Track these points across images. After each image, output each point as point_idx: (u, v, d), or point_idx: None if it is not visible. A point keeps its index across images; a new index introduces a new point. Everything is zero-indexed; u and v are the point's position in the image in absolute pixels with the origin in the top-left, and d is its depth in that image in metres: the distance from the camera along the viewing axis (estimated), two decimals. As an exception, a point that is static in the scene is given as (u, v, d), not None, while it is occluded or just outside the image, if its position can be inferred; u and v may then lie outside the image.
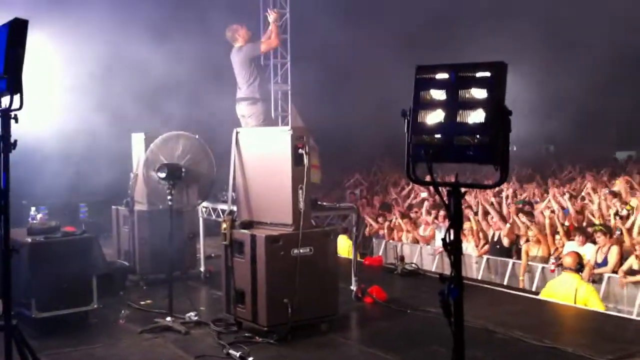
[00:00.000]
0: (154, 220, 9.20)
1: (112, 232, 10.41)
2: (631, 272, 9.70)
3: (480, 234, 12.31)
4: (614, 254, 10.05)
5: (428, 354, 6.46)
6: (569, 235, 11.04)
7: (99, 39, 11.49)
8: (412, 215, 14.35)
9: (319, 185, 12.92)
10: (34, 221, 8.01)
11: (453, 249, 3.70)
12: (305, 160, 6.84)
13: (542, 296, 8.75)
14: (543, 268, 10.77)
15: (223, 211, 8.77)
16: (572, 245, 10.50)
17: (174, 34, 12.44)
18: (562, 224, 11.41)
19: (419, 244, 13.35)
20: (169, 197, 7.40)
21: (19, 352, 4.85)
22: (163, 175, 7.38)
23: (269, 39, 9.62)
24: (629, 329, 7.35)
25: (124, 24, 11.13)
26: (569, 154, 23.17)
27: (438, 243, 12.54)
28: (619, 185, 13.73)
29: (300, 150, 6.84)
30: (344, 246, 11.60)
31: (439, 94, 3.71)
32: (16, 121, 4.58)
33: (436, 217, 13.33)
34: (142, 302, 8.43)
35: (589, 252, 10.30)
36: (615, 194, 12.73)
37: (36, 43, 9.17)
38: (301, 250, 6.84)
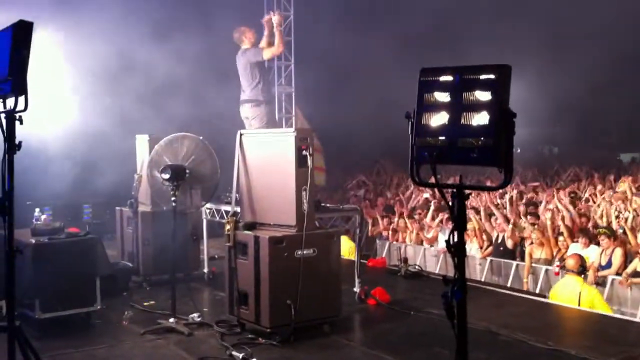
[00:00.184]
0: (158, 222, 9.23)
1: (115, 233, 10.44)
2: (636, 274, 9.68)
3: (484, 236, 12.29)
4: (618, 256, 10.04)
5: (431, 356, 6.45)
6: (572, 237, 11.02)
7: (103, 39, 11.51)
8: (416, 216, 14.32)
9: (323, 186, 12.95)
10: (38, 222, 8.03)
11: (457, 251, 3.70)
12: (309, 162, 6.84)
13: (550, 299, 8.74)
14: (547, 270, 10.76)
15: (227, 212, 8.77)
16: (576, 248, 10.49)
17: (178, 35, 12.46)
18: (566, 226, 11.39)
19: (423, 246, 13.33)
20: (172, 199, 7.40)
21: (22, 353, 4.85)
22: (167, 176, 7.38)
23: (272, 46, 9.57)
24: (633, 331, 7.34)
25: (128, 25, 11.15)
26: (572, 156, 23.14)
27: (442, 244, 12.53)
28: (624, 186, 13.70)
29: (304, 152, 6.84)
30: (346, 247, 11.60)
31: (443, 96, 3.71)
32: (21, 123, 4.59)
33: (441, 221, 13.30)
34: (145, 303, 8.44)
35: (592, 254, 10.28)
36: (621, 195, 12.71)
37: (41, 44, 9.23)
38: (305, 252, 6.84)
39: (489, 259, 11.91)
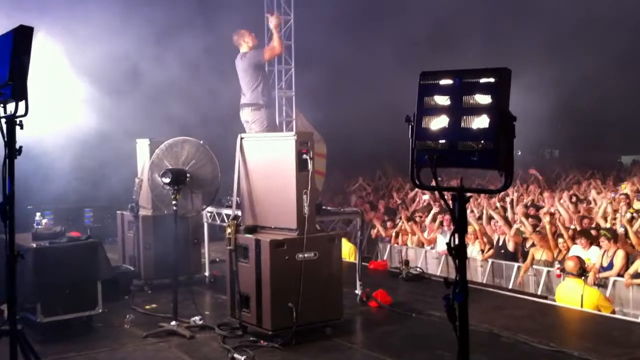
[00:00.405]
0: (159, 225, 9.24)
1: (117, 237, 10.44)
2: (637, 275, 9.67)
3: (485, 239, 12.29)
4: (619, 258, 10.03)
5: (433, 358, 6.45)
6: (573, 238, 11.02)
7: (104, 43, 11.51)
8: (417, 219, 14.33)
9: (322, 190, 12.95)
10: (39, 226, 8.02)
11: (458, 253, 3.71)
12: (310, 166, 6.85)
13: (557, 301, 8.75)
14: (548, 272, 10.75)
15: (227, 216, 8.78)
16: (577, 249, 10.49)
17: (178, 38, 12.48)
18: (567, 228, 11.40)
19: (424, 248, 13.32)
20: (173, 202, 7.41)
21: (24, 357, 4.86)
22: (168, 180, 7.39)
23: (271, 46, 9.60)
24: (635, 332, 7.33)
25: (129, 28, 11.15)
26: (574, 158, 23.16)
27: (441, 247, 12.52)
28: (627, 188, 13.70)
29: (304, 156, 6.85)
30: (345, 249, 11.59)
31: (443, 100, 3.72)
32: (21, 128, 4.61)
33: (441, 223, 13.30)
34: (146, 307, 8.44)
35: (594, 256, 10.28)
36: (623, 197, 12.71)
37: (42, 48, 9.24)
38: (306, 255, 6.84)
39: (490, 261, 11.90)
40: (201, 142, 7.90)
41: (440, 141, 3.72)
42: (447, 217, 12.66)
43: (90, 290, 7.37)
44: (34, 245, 7.26)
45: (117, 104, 11.47)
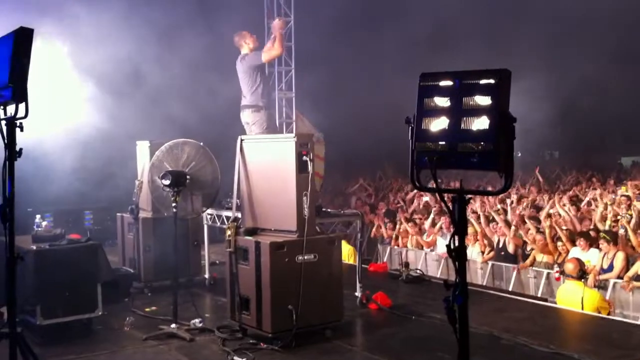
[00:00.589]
0: (159, 228, 9.24)
1: (116, 239, 10.44)
2: (637, 277, 9.66)
3: (485, 241, 12.28)
4: (619, 260, 10.02)
5: (433, 361, 6.46)
6: (572, 241, 11.01)
7: (105, 45, 11.52)
8: (417, 221, 14.31)
9: (320, 192, 12.92)
10: (39, 229, 8.03)
11: (458, 255, 3.70)
12: (310, 167, 6.85)
13: (558, 304, 8.75)
14: (548, 274, 10.75)
15: (227, 218, 8.77)
16: (576, 251, 10.48)
17: (180, 42, 12.48)
18: (566, 230, 11.39)
19: (424, 250, 13.32)
20: (173, 205, 7.41)
21: (24, 359, 4.86)
22: (167, 182, 7.39)
23: (271, 48, 9.60)
24: (635, 334, 7.33)
25: (129, 30, 11.15)
26: (573, 159, 23.15)
27: (441, 249, 12.52)
28: (628, 190, 13.68)
29: (304, 158, 6.85)
30: (345, 250, 11.58)
31: (443, 101, 3.72)
32: (21, 129, 4.60)
33: (440, 227, 13.29)
34: (146, 309, 8.44)
35: (593, 258, 10.27)
36: (625, 198, 12.70)
37: (42, 50, 9.25)
38: (306, 257, 6.84)
39: (490, 263, 11.90)
40: (201, 144, 7.90)
41: (440, 143, 3.71)
42: (446, 219, 12.66)
43: (90, 293, 7.37)
44: (34, 247, 7.27)
45: (117, 105, 11.46)
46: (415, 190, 16.35)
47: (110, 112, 11.35)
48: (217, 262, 10.50)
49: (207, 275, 9.96)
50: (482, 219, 12.77)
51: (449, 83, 3.71)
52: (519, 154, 22.72)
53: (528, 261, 11.22)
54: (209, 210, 9.18)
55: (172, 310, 7.45)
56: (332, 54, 17.81)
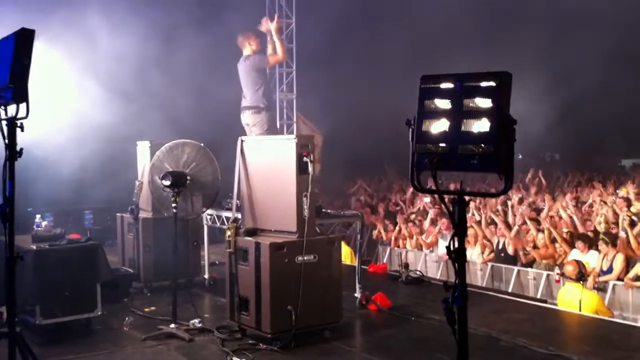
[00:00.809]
0: (159, 228, 9.25)
1: (116, 239, 10.44)
2: (637, 279, 9.67)
3: (485, 242, 12.29)
4: (619, 262, 10.03)
5: (432, 362, 6.46)
6: (569, 243, 11.02)
7: (105, 44, 11.54)
8: (417, 222, 14.32)
9: (321, 194, 12.91)
10: (39, 228, 8.03)
11: (457, 256, 3.71)
12: (310, 168, 6.85)
13: (559, 306, 8.76)
14: (548, 275, 10.76)
15: (227, 219, 8.78)
16: (575, 253, 10.49)
17: (180, 42, 12.48)
18: (568, 232, 11.40)
19: (423, 251, 13.32)
20: (173, 205, 7.41)
21: (23, 359, 4.86)
22: (168, 183, 7.40)
23: (276, 54, 9.58)
24: (634, 336, 7.33)
25: (129, 30, 11.17)
26: (575, 162, 23.14)
27: (442, 250, 12.53)
28: (629, 192, 13.67)
29: (304, 159, 6.85)
30: (343, 252, 11.58)
31: (443, 103, 3.72)
32: (22, 130, 4.61)
33: (440, 229, 13.29)
34: (146, 309, 8.44)
35: (592, 260, 10.28)
36: (625, 200, 12.70)
37: (42, 49, 9.25)
38: (305, 258, 6.84)
39: (489, 264, 11.90)
40: (201, 144, 7.90)
41: (441, 144, 3.71)
42: (445, 220, 12.68)
43: (89, 293, 7.37)
44: (34, 247, 7.27)
45: (118, 105, 11.48)
46: (412, 191, 16.38)
47: (110, 112, 11.37)
48: (217, 262, 10.50)
49: (206, 276, 9.97)
50: (483, 221, 12.79)
51: (449, 85, 3.71)
52: (520, 156, 22.73)
53: (530, 258, 11.26)
54: (209, 211, 9.18)
55: (171, 311, 7.45)
56: (333, 55, 17.81)
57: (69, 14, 10.83)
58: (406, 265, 10.51)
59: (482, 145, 3.56)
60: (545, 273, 10.85)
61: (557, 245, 11.11)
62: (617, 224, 11.37)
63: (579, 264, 8.79)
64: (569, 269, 8.62)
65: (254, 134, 9.36)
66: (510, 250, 11.78)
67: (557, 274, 10.24)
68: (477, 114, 3.60)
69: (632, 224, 10.90)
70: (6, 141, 4.60)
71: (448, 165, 3.72)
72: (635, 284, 9.57)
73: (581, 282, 8.58)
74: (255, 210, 7.34)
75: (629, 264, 10.09)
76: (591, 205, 13.79)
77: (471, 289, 4.97)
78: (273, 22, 9.62)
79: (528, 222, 11.91)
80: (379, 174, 21.80)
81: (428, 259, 13.13)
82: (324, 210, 8.47)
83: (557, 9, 21.05)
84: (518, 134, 3.55)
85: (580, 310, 8.25)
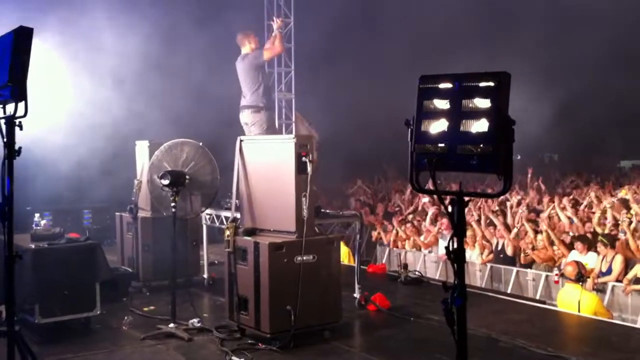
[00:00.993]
0: (158, 227, 9.25)
1: (115, 238, 10.44)
2: (637, 280, 9.66)
3: (484, 242, 12.29)
4: (618, 263, 10.03)
5: (431, 362, 6.46)
6: (567, 244, 11.02)
7: (104, 43, 11.53)
8: (415, 222, 14.31)
9: (320, 194, 12.90)
10: (38, 227, 8.03)
11: (456, 257, 3.70)
12: (309, 168, 6.85)
13: (558, 307, 8.76)
14: (547, 276, 10.75)
15: (226, 218, 8.78)
16: (574, 255, 10.48)
17: (179, 41, 12.48)
18: (567, 233, 11.40)
19: (422, 252, 13.31)
20: (172, 204, 7.41)
21: (22, 358, 4.86)
22: (166, 182, 7.39)
23: (272, 46, 9.62)
24: (634, 337, 7.32)
25: (131, 29, 11.16)
26: (573, 162, 23.15)
27: (441, 251, 12.53)
28: (628, 194, 13.68)
29: (303, 159, 6.85)
30: (342, 252, 11.58)
31: (442, 104, 3.72)
32: (20, 128, 4.61)
33: (439, 229, 13.28)
34: (145, 309, 8.43)
35: (591, 261, 10.27)
36: (624, 202, 12.70)
37: (42, 48, 9.25)
38: (304, 258, 6.84)
39: (489, 265, 11.90)
40: (200, 144, 7.90)
41: (440, 145, 3.71)
42: (445, 220, 12.67)
43: (88, 292, 7.37)
44: (33, 246, 7.27)
45: (117, 104, 11.47)
46: (411, 192, 16.37)
47: (110, 111, 11.36)
48: (216, 262, 10.49)
49: (205, 275, 9.97)
50: (482, 222, 12.79)
51: (448, 85, 3.71)
52: (518, 157, 22.73)
53: (530, 259, 11.26)
54: (208, 211, 9.17)
55: (170, 310, 7.45)
56: (332, 54, 17.80)
57: (67, 12, 10.82)
58: (405, 266, 10.51)
59: (481, 145, 3.56)
60: (544, 274, 10.84)
61: (555, 247, 11.11)
62: (616, 225, 11.37)
63: (578, 264, 8.79)
64: (569, 270, 8.62)
65: (253, 133, 9.35)
66: (509, 251, 11.77)
67: (556, 274, 10.24)
68: (476, 114, 3.59)
69: (631, 225, 10.91)
70: (5, 140, 4.60)
71: (447, 165, 3.71)
72: (634, 287, 9.56)
73: (580, 283, 8.58)
74: (254, 210, 7.34)
75: (627, 265, 10.10)
76: (590, 207, 13.78)
77: (470, 290, 4.96)
78: (277, 20, 9.71)
79: (526, 224, 11.91)
80: (378, 174, 21.79)
81: (427, 259, 13.12)
82: (323, 210, 8.46)
83: (556, 9, 21.06)
84: (517, 134, 3.54)
85: (579, 312, 8.25)
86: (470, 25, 20.43)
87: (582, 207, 13.74)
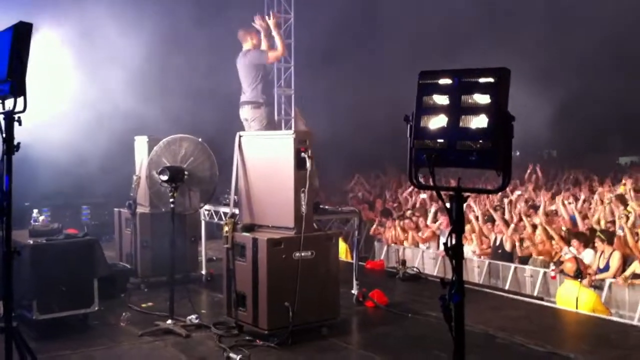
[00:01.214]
0: (156, 223, 9.23)
1: (114, 234, 10.43)
2: (635, 277, 9.68)
3: (482, 238, 12.31)
4: (616, 259, 10.04)
5: (429, 359, 6.45)
6: (566, 240, 11.04)
7: (104, 40, 11.51)
8: (414, 218, 14.32)
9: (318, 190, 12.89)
10: (36, 223, 8.02)
11: (455, 253, 3.70)
12: (308, 164, 6.84)
13: (557, 304, 8.77)
14: (545, 273, 10.77)
15: (225, 214, 8.78)
16: (571, 251, 10.50)
17: (179, 38, 12.46)
18: (566, 229, 11.41)
19: (421, 248, 13.33)
20: (171, 200, 7.40)
21: (19, 354, 4.85)
22: (165, 178, 7.39)
23: (275, 49, 9.58)
24: (631, 334, 7.34)
25: (131, 25, 11.15)
26: (572, 159, 23.15)
27: (441, 247, 12.54)
28: (627, 189, 13.67)
29: (302, 154, 6.84)
30: (340, 249, 11.57)
31: (442, 99, 3.71)
32: (19, 124, 4.60)
33: (440, 224, 13.30)
34: (143, 305, 8.43)
35: (587, 258, 10.28)
36: (621, 198, 12.70)
37: (41, 44, 9.23)
38: (303, 254, 6.83)
39: (487, 261, 11.91)
40: (199, 139, 7.89)
41: (439, 140, 3.71)
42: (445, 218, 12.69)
43: (86, 288, 7.36)
44: (31, 242, 7.26)
45: (116, 100, 11.46)
46: (409, 189, 16.40)
47: (108, 107, 11.35)
48: (215, 258, 10.49)
49: (204, 272, 9.96)
50: (480, 217, 12.81)
51: (448, 81, 3.70)
52: (517, 153, 22.73)
53: (528, 252, 11.29)
54: (207, 206, 9.18)
55: (168, 306, 7.45)
56: (332, 50, 17.78)
57: (68, 7, 10.81)
58: (403, 262, 10.51)
59: (481, 141, 3.56)
60: (542, 270, 10.86)
61: (554, 242, 11.12)
62: (614, 222, 11.38)
63: (577, 261, 8.80)
64: (568, 266, 8.63)
65: (253, 129, 9.34)
66: (507, 246, 11.79)
67: (552, 270, 10.26)
68: (476, 110, 3.59)
69: (629, 222, 10.93)
70: (4, 135, 4.59)
71: (446, 161, 3.71)
72: (633, 282, 9.58)
73: (579, 279, 8.59)
74: (252, 206, 7.33)
75: (625, 262, 10.11)
76: (590, 203, 13.79)
77: (468, 286, 4.97)
78: (271, 18, 9.63)
79: (524, 219, 11.93)
80: (377, 170, 21.78)
81: (425, 255, 13.14)
82: (321, 206, 8.46)
83: (556, 8, 21.04)
84: (516, 130, 3.54)
85: (577, 308, 8.26)
86: (470, 25, 20.41)
87: (579, 203, 13.74)
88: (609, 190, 14.61)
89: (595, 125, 24.13)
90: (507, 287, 10.96)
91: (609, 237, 10.41)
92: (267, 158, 7.21)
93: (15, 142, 4.62)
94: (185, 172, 7.56)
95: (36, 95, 4.95)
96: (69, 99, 10.86)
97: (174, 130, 8.26)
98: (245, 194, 7.41)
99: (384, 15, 20.40)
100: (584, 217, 12.35)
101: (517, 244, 11.66)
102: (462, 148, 3.61)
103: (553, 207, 13.05)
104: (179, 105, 12.42)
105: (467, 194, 3.93)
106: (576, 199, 13.92)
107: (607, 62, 20.72)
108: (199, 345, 6.89)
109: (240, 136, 7.54)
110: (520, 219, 12.10)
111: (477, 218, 12.91)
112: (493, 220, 12.57)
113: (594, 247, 10.45)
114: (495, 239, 12.17)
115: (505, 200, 13.91)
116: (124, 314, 7.75)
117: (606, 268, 10.11)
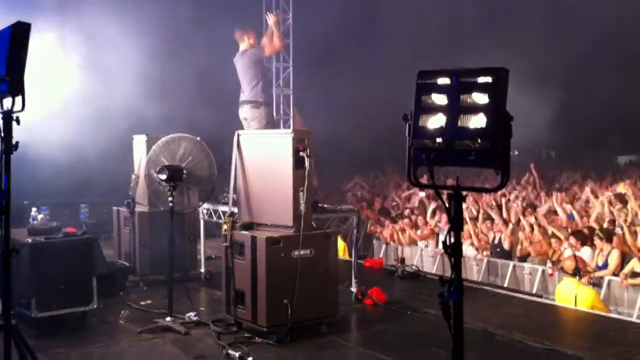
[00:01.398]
0: (155, 222, 9.22)
1: (112, 233, 10.43)
2: (633, 275, 9.69)
3: (481, 236, 12.33)
4: (614, 257, 10.06)
5: (428, 356, 6.46)
6: (567, 239, 11.05)
7: (102, 38, 11.51)
8: (412, 217, 14.34)
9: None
10: (35, 221, 8.02)
11: (453, 251, 3.71)
12: (307, 163, 6.85)
13: (556, 301, 8.79)
14: (543, 271, 10.78)
15: (224, 213, 8.78)
16: (569, 249, 10.51)
17: (178, 38, 12.45)
18: (565, 228, 11.43)
19: (419, 246, 13.35)
20: (170, 199, 7.41)
21: (18, 352, 4.86)
22: (164, 176, 7.39)
23: (272, 42, 9.61)
24: (630, 331, 7.35)
25: (130, 25, 11.15)
26: (571, 159, 23.15)
27: (439, 245, 12.56)
28: (625, 187, 13.69)
29: (301, 153, 6.85)
30: (339, 247, 11.59)
31: (440, 99, 3.72)
32: (18, 123, 4.61)
33: (439, 221, 13.31)
34: (142, 303, 8.43)
35: (585, 256, 10.30)
36: (620, 197, 12.72)
37: (41, 43, 9.23)
38: (301, 252, 6.84)
39: (485, 259, 11.93)
40: (198, 138, 7.90)
41: (438, 140, 3.72)
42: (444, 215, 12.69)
43: (85, 286, 7.36)
44: (30, 240, 7.26)
45: (115, 99, 11.46)
46: (409, 191, 16.42)
47: (107, 106, 11.35)
48: (213, 256, 10.50)
49: (202, 270, 9.96)
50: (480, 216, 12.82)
51: (446, 81, 3.71)
52: (516, 152, 22.74)
53: (527, 251, 11.30)
54: (206, 205, 9.18)
55: (167, 304, 7.45)
56: (331, 50, 17.79)
57: (66, 6, 10.80)
58: (402, 260, 10.53)
59: (479, 140, 3.56)
60: (540, 268, 10.88)
61: (553, 241, 11.14)
62: (613, 221, 11.39)
63: (577, 259, 8.81)
64: (567, 264, 8.65)
65: (252, 128, 9.34)
66: (506, 245, 11.80)
67: (550, 267, 10.28)
68: (474, 109, 3.60)
69: (627, 220, 10.95)
70: (2, 134, 4.59)
71: (445, 160, 3.72)
72: (632, 282, 9.59)
73: (577, 277, 8.61)
74: (251, 204, 7.34)
75: (624, 260, 10.13)
76: (587, 202, 13.80)
77: (467, 284, 4.99)
78: (271, 15, 9.70)
79: (522, 218, 11.94)
80: (376, 170, 21.78)
81: (424, 253, 13.16)
82: (320, 205, 8.47)
83: (556, 8, 21.04)
84: (514, 130, 3.55)
85: (575, 306, 8.27)
86: (470, 25, 20.42)
87: (578, 202, 13.76)
88: (608, 189, 14.63)
89: (595, 125, 24.13)
90: (505, 285, 10.98)
91: (607, 235, 10.43)
92: (265, 157, 7.21)
93: (14, 141, 4.63)
94: (184, 171, 7.56)
95: (35, 94, 4.95)
96: (68, 97, 10.85)
97: (173, 129, 8.26)
98: (244, 193, 7.42)
99: (384, 15, 20.37)
100: (582, 216, 12.36)
101: (518, 247, 11.67)
102: (461, 147, 3.62)
103: (547, 207, 13.05)
104: (177, 104, 12.42)
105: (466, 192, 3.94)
106: (575, 199, 13.94)
107: (607, 62, 20.72)
108: (198, 343, 6.89)
109: (238, 135, 7.54)
110: (519, 220, 12.11)
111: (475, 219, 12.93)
112: (491, 219, 12.59)
113: (592, 245, 10.47)
114: (494, 237, 12.19)
115: (503, 200, 13.92)
116: (122, 311, 7.75)
117: (605, 265, 10.13)
